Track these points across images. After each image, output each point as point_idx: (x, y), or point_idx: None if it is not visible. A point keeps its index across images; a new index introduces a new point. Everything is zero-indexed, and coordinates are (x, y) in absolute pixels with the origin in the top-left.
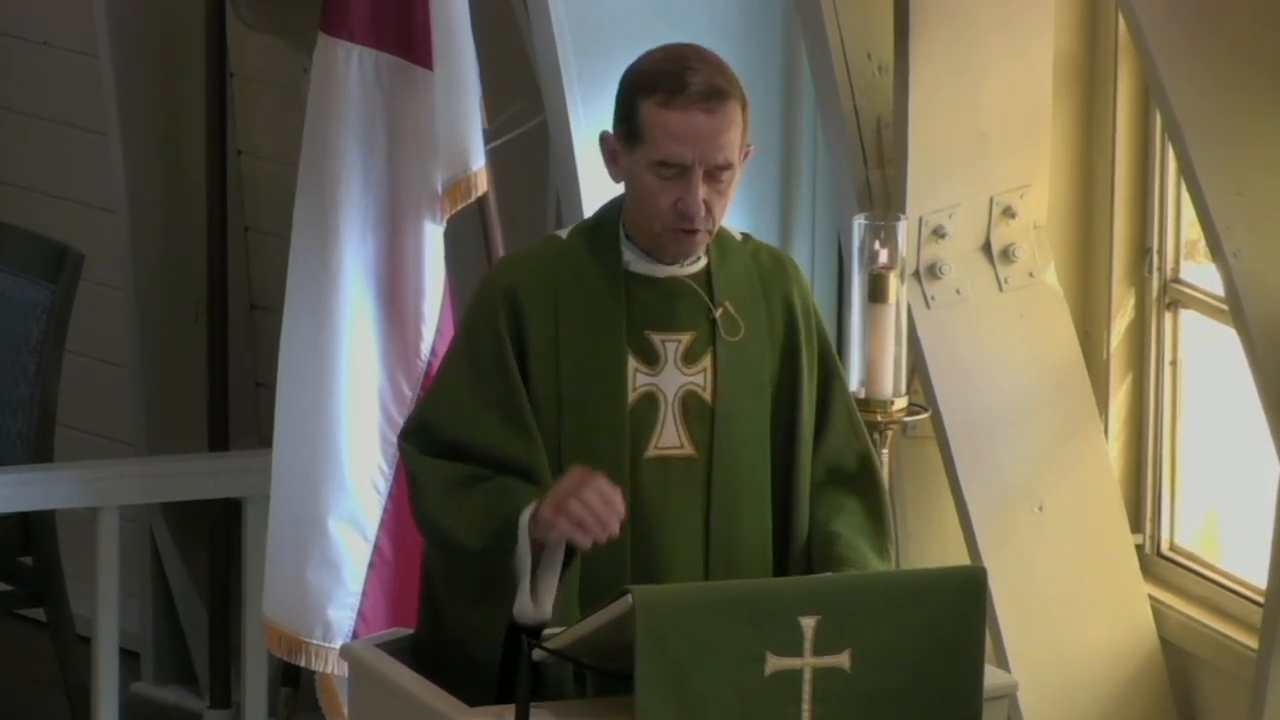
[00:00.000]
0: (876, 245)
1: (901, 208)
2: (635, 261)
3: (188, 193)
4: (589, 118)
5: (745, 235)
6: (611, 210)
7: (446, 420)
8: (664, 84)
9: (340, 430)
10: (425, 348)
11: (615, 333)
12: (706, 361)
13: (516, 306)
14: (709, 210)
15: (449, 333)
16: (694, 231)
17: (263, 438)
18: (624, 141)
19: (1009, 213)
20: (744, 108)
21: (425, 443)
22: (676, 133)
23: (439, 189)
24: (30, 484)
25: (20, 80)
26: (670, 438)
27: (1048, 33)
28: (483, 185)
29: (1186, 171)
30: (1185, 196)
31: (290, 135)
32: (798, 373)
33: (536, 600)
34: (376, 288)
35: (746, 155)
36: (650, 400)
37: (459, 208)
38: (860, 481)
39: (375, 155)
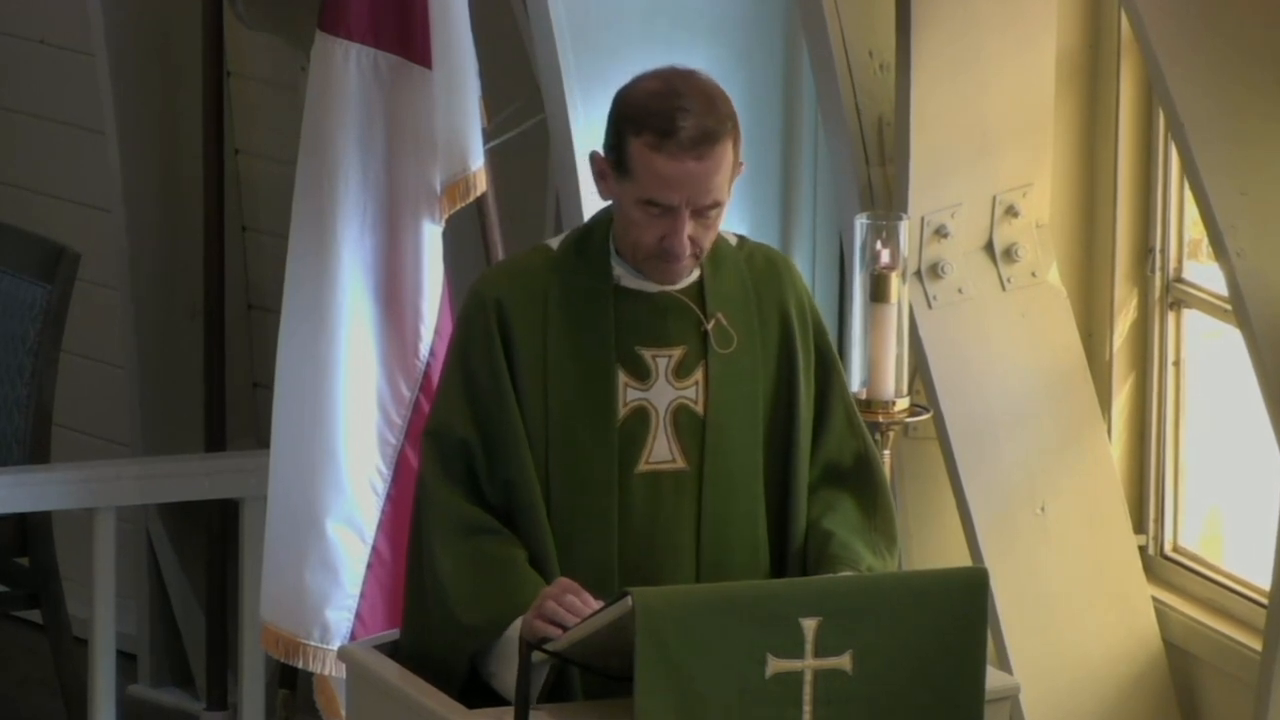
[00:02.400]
0: (878, 245)
1: (903, 207)
2: (625, 276)
3: (185, 192)
4: (589, 116)
5: (741, 238)
6: (601, 223)
7: (452, 432)
8: (653, 124)
9: (338, 431)
10: (424, 348)
11: (604, 348)
12: (698, 375)
13: (505, 319)
14: (695, 244)
15: (448, 333)
16: (677, 261)
17: (260, 438)
18: (613, 168)
19: (1011, 212)
20: (735, 139)
21: (439, 449)
22: (665, 178)
23: (438, 188)
24: (27, 485)
25: (16, 78)
26: (662, 452)
27: (1050, 31)
28: (482, 185)
29: (1189, 170)
30: (1188, 195)
31: (288, 134)
32: (794, 377)
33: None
34: (375, 288)
35: (737, 173)
36: (641, 415)
37: (458, 207)
38: (855, 479)
39: (374, 154)
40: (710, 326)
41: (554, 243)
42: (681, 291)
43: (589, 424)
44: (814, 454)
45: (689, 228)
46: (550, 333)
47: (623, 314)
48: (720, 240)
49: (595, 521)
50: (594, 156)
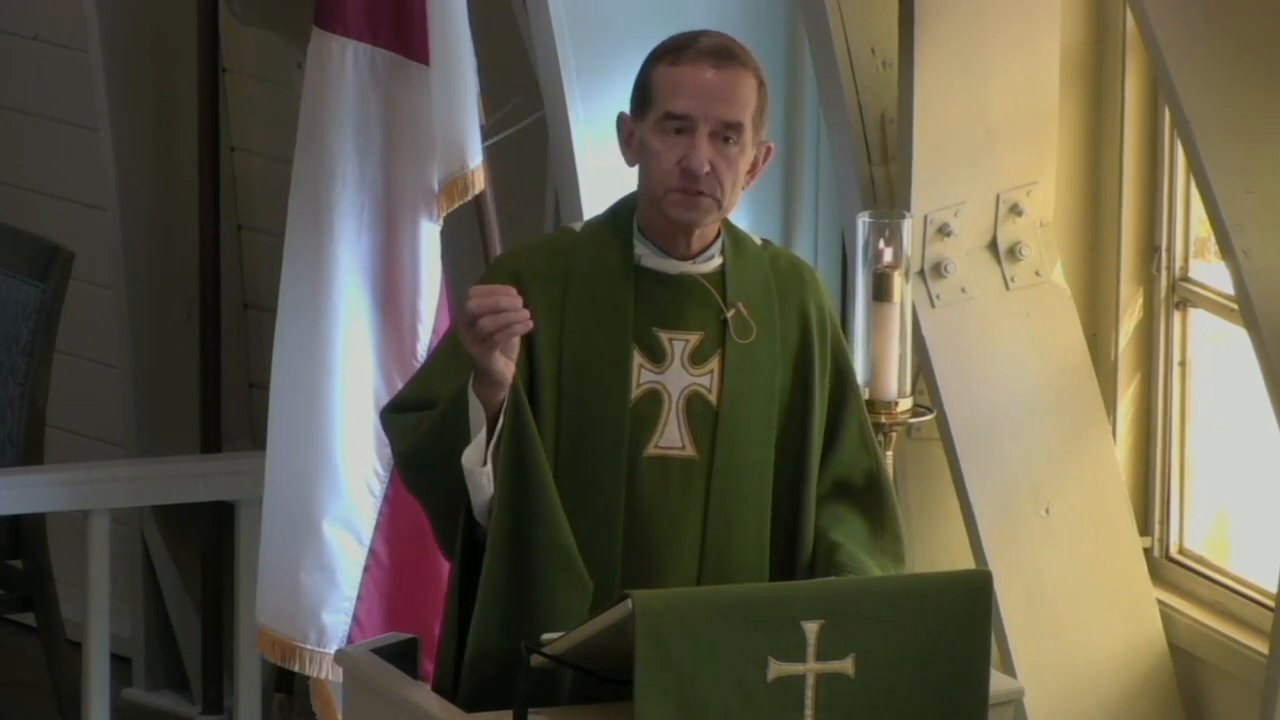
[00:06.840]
0: (881, 243)
1: (906, 205)
2: (648, 256)
3: (180, 190)
4: (588, 113)
5: (765, 241)
6: (626, 204)
7: (422, 385)
8: (675, 44)
9: (335, 432)
10: (421, 348)
11: (622, 327)
12: (714, 363)
13: (521, 292)
14: (715, 174)
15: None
16: (698, 194)
17: (256, 439)
18: (636, 114)
19: (1015, 210)
20: (760, 85)
21: (399, 410)
22: (683, 86)
23: (435, 186)
24: (20, 486)
25: (10, 76)
26: (672, 437)
27: (1054, 27)
28: (480, 183)
29: (1195, 169)
30: (1194, 193)
31: (284, 131)
32: (809, 383)
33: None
34: (372, 287)
35: (767, 155)
36: (654, 398)
37: (456, 205)
38: (866, 497)
39: (371, 152)
40: (730, 315)
41: (577, 225)
42: (704, 276)
43: (601, 402)
44: (824, 467)
45: (708, 151)
46: (568, 309)
47: (642, 294)
48: (744, 236)
49: (601, 500)
50: (621, 118)
